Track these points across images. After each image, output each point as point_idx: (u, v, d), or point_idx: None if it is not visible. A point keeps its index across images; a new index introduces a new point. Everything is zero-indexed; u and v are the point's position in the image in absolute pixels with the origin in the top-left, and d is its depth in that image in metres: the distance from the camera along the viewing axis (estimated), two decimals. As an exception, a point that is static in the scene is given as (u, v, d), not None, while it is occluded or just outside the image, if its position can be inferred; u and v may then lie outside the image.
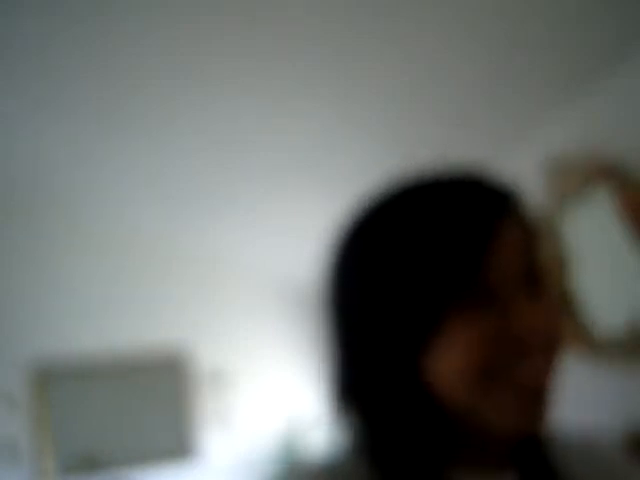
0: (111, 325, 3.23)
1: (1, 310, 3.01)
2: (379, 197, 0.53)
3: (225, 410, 3.42)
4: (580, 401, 1.95)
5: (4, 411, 2.93)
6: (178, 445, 3.27)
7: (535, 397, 0.48)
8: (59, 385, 3.08)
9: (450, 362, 0.47)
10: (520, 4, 1.62)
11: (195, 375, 3.39)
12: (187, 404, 3.34)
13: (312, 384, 3.45)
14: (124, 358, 3.22)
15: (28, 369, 3.02)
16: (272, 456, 3.31)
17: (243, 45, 1.86)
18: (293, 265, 3.37)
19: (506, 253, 0.48)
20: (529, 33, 1.71)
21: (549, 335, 0.48)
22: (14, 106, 2.39)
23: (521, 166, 2.19)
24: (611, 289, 1.89)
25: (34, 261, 3.12)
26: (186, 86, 2.12)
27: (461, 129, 2.17)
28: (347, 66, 1.93)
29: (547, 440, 0.55)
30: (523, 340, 0.46)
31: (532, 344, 0.47)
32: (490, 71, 1.89)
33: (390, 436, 0.50)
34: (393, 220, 0.50)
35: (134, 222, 3.30)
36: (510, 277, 0.48)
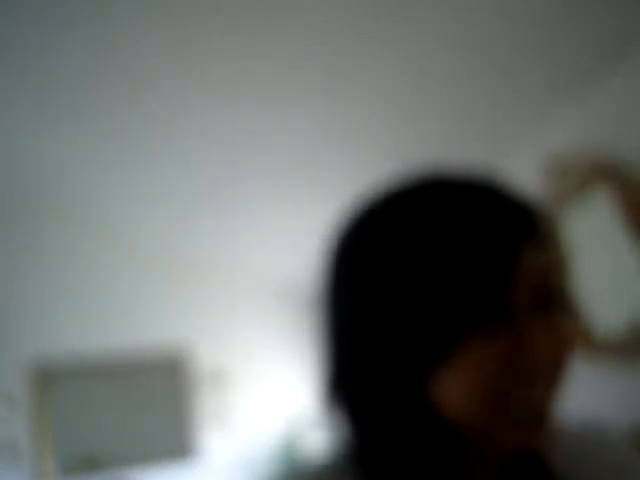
0: (111, 325, 3.23)
1: (1, 310, 3.01)
2: (386, 194, 0.48)
3: (225, 410, 3.41)
4: (580, 401, 1.94)
5: (4, 411, 2.93)
6: (178, 445, 3.27)
7: (538, 421, 0.46)
8: (59, 385, 3.08)
9: (459, 386, 0.44)
10: (520, 4, 1.62)
11: (195, 375, 3.39)
12: (187, 404, 3.34)
13: (312, 384, 3.45)
14: (124, 358, 3.22)
15: (28, 369, 3.02)
16: (272, 456, 3.31)
17: (243, 46, 1.86)
18: (293, 266, 3.37)
19: (529, 276, 0.45)
20: (529, 33, 1.71)
21: (561, 361, 0.46)
22: (16, 107, 2.39)
23: (521, 166, 2.19)
24: (611, 289, 1.89)
25: (34, 261, 3.12)
26: (187, 88, 2.12)
27: (461, 129, 2.17)
28: (347, 66, 1.92)
29: (549, 458, 0.53)
30: (540, 367, 0.44)
31: (549, 371, 0.45)
32: (490, 71, 1.89)
33: (387, 448, 0.48)
34: (403, 227, 0.45)
35: (134, 223, 3.30)
36: (531, 300, 0.45)
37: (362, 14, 1.69)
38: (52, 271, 3.16)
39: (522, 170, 2.18)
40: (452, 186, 0.47)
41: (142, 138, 2.53)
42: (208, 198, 2.96)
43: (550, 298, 0.47)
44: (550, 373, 0.46)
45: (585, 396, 1.95)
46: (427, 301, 0.43)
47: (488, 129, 2.17)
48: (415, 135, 2.20)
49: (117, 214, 3.25)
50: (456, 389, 0.44)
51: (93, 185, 3.04)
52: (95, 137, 2.56)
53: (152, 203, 3.13)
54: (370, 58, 1.88)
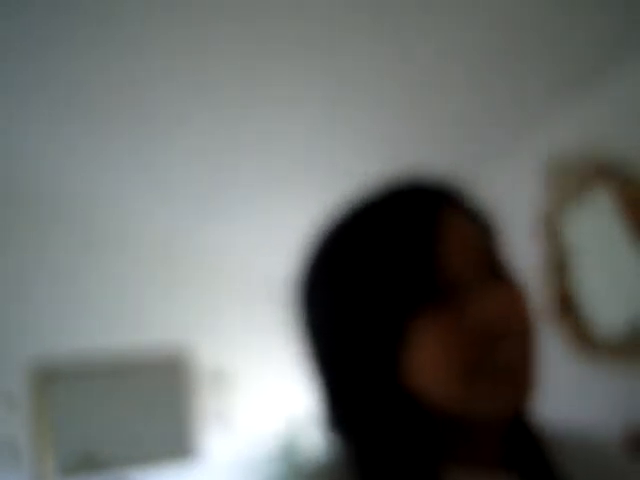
0: (111, 325, 3.22)
1: (2, 310, 3.01)
2: (334, 222, 0.54)
3: (225, 410, 3.41)
4: (580, 400, 1.94)
5: (4, 411, 2.93)
6: (178, 445, 3.27)
7: (516, 377, 0.48)
8: (59, 385, 3.08)
9: (425, 364, 0.47)
10: (520, 6, 1.62)
11: (196, 375, 3.39)
12: (188, 404, 3.34)
13: (312, 384, 3.45)
14: (124, 358, 3.22)
15: (28, 369, 3.02)
16: (272, 456, 3.31)
17: (244, 49, 1.86)
18: (294, 267, 3.37)
19: (455, 244, 0.48)
20: (529, 34, 1.71)
21: (517, 317, 0.48)
22: (22, 108, 2.39)
23: (521, 166, 2.19)
24: (611, 289, 1.89)
25: (34, 261, 3.12)
26: (188, 91, 2.12)
27: (461, 129, 2.17)
28: (342, 69, 1.92)
29: (543, 438, 0.54)
30: (490, 325, 0.46)
31: (501, 327, 0.47)
32: (490, 72, 1.89)
33: (375, 444, 0.50)
34: (348, 240, 0.52)
35: (135, 223, 3.30)
36: (465, 268, 0.48)
37: (362, 16, 1.69)
38: (52, 271, 3.16)
39: (522, 170, 2.18)
40: (376, 203, 0.52)
41: (145, 140, 2.54)
42: (209, 199, 2.96)
43: (493, 269, 0.49)
44: (513, 328, 0.48)
45: (584, 396, 1.95)
46: (371, 292, 0.48)
47: (488, 129, 2.17)
48: (414, 137, 2.20)
49: (118, 215, 3.25)
50: (425, 368, 0.47)
51: (94, 186, 3.04)
52: (98, 138, 2.56)
53: (153, 204, 3.13)
54: (366, 60, 1.88)
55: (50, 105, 2.34)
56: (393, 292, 0.47)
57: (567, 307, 1.97)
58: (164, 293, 3.39)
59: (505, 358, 0.47)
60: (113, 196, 3.12)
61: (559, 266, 2.01)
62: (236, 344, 3.52)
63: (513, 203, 2.02)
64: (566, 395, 1.76)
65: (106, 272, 3.28)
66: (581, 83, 1.91)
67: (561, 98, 1.99)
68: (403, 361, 0.48)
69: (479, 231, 0.51)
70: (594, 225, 1.91)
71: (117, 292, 3.29)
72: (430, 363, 0.47)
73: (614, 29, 1.69)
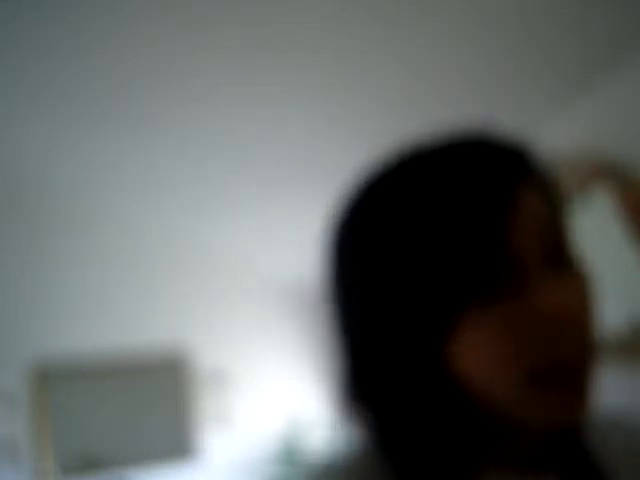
0: (111, 325, 3.22)
1: (1, 310, 3.01)
2: (379, 170, 0.47)
3: (225, 410, 3.41)
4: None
5: (4, 411, 2.93)
6: (178, 445, 3.26)
7: (577, 384, 0.41)
8: (59, 385, 3.08)
9: (477, 356, 0.41)
10: (521, 6, 1.62)
11: (195, 375, 3.39)
12: (187, 404, 3.34)
13: (312, 384, 3.45)
14: (124, 358, 3.22)
15: (28, 369, 3.02)
16: (272, 456, 3.31)
17: (244, 50, 1.86)
18: (294, 265, 3.37)
19: (527, 224, 0.41)
20: (529, 35, 1.72)
21: (581, 314, 0.42)
22: (25, 108, 2.39)
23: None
24: (611, 289, 1.89)
25: (34, 261, 3.12)
26: (188, 92, 2.12)
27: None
28: (346, 67, 1.93)
29: (586, 436, 0.49)
30: (557, 323, 0.40)
31: (568, 325, 0.40)
32: (489, 72, 1.89)
33: (413, 435, 0.44)
34: (397, 197, 0.43)
35: (136, 223, 3.30)
36: (533, 253, 0.41)
37: (362, 17, 1.69)
38: (52, 271, 3.16)
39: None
40: (437, 153, 0.46)
41: (147, 139, 2.53)
42: (209, 198, 2.96)
43: (560, 255, 0.43)
44: (576, 326, 0.41)
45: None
46: (428, 269, 0.41)
47: (488, 129, 2.17)
48: (414, 135, 2.20)
49: (119, 214, 3.25)
50: (477, 361, 0.41)
51: (95, 184, 3.04)
52: (99, 138, 2.55)
53: (154, 203, 3.13)
54: (367, 58, 1.88)
55: (51, 107, 2.34)
56: (450, 274, 0.40)
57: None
58: (164, 293, 3.39)
59: (569, 361, 0.41)
60: (113, 196, 3.12)
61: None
62: (236, 344, 3.52)
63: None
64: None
65: (106, 272, 3.28)
66: (581, 83, 1.91)
67: (561, 98, 1.99)
68: (452, 345, 0.41)
69: (552, 212, 0.44)
70: (594, 225, 1.91)
71: (117, 292, 3.29)
72: (484, 357, 0.41)
73: (614, 29, 1.69)
